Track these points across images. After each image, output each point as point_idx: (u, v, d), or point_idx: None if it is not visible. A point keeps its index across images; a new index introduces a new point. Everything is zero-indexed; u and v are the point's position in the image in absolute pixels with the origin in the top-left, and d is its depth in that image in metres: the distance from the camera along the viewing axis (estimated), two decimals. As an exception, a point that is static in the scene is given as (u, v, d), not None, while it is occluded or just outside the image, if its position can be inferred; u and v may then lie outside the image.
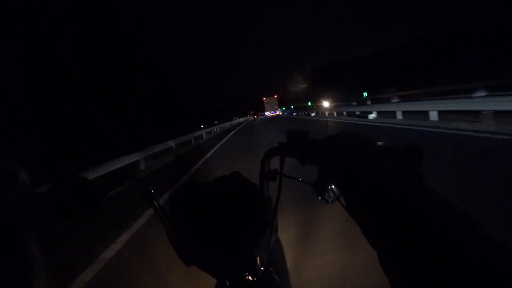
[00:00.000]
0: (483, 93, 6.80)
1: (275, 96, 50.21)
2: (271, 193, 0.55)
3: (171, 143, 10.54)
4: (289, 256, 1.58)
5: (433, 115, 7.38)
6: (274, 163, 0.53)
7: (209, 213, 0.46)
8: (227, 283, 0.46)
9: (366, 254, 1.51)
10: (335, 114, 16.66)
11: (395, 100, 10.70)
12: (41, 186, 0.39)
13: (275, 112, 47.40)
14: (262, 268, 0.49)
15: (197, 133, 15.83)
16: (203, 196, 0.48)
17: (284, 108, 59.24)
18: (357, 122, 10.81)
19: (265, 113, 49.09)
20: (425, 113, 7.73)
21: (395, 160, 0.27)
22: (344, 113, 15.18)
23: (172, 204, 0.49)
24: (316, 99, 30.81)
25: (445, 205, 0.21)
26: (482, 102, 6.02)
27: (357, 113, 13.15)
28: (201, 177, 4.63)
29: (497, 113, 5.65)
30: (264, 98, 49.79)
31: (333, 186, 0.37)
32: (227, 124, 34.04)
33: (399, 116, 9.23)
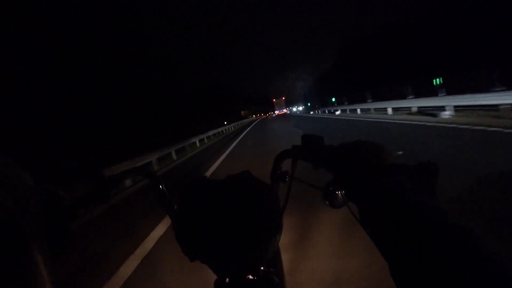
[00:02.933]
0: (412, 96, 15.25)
1: (283, 98, 65.78)
2: (280, 194, 0.56)
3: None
4: (285, 257, 1.62)
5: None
6: (286, 166, 0.54)
7: (217, 210, 0.46)
8: (227, 280, 0.47)
9: (362, 259, 1.55)
10: (331, 112, 24.91)
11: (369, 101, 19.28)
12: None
13: (282, 111, 62.22)
14: (262, 268, 0.50)
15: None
16: (212, 193, 0.49)
17: (291, 107, 72.48)
18: (331, 116, 19.09)
19: (275, 111, 64.60)
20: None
21: (409, 175, 0.28)
22: (326, 111, 23.97)
23: (181, 198, 0.50)
24: (316, 100, 40.49)
25: (457, 224, 0.21)
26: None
27: (332, 110, 21.97)
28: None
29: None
30: (274, 100, 65.24)
31: (342, 192, 0.37)
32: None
33: (357, 111, 17.93)
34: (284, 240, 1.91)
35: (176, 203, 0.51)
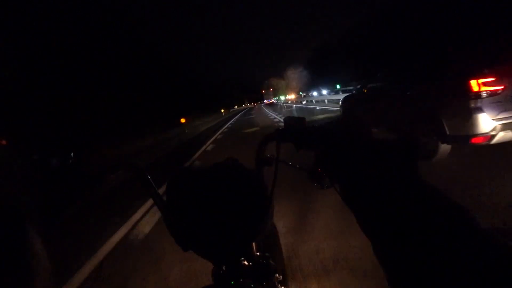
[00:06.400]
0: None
1: (271, 89, 76.72)
2: (266, 178, 0.55)
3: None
4: (283, 241, 1.59)
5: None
6: (271, 150, 0.54)
7: (206, 199, 0.46)
8: (224, 267, 0.47)
9: (359, 239, 1.59)
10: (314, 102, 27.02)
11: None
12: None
13: (270, 100, 74.05)
14: (258, 253, 0.50)
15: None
16: (200, 182, 0.48)
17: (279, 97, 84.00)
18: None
19: (264, 101, 78.40)
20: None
21: (390, 152, 0.27)
22: (314, 101, 26.02)
23: (169, 189, 0.49)
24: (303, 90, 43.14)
25: (439, 198, 0.22)
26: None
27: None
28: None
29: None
30: (263, 91, 77.34)
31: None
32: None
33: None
34: (281, 225, 1.98)
35: (164, 195, 0.51)
